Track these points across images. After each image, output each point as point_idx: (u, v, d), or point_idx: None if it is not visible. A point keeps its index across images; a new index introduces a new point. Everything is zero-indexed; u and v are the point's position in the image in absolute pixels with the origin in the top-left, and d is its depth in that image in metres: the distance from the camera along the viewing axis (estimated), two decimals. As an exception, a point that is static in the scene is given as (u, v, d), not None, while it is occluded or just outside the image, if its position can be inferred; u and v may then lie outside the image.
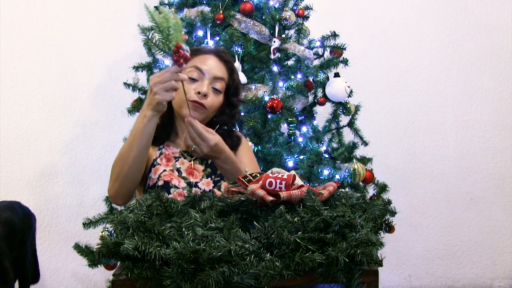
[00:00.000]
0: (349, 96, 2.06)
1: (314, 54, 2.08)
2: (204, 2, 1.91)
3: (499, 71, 2.74)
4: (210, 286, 0.75)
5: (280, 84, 1.85)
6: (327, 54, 2.12)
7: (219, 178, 1.34)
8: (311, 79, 2.02)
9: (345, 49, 2.08)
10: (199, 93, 1.30)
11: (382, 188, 2.02)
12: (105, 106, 2.52)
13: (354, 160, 1.93)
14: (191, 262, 0.77)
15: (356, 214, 0.88)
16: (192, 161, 1.36)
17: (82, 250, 1.98)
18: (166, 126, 1.38)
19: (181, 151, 1.38)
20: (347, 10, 2.67)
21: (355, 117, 2.12)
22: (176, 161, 1.35)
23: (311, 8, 2.04)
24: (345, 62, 2.08)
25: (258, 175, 1.00)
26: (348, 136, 2.14)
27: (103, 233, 1.87)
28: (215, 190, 1.31)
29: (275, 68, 1.87)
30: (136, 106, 2.05)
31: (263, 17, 1.89)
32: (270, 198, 0.89)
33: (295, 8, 1.97)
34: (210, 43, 1.83)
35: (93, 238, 2.29)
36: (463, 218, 2.70)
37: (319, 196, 0.92)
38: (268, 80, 1.84)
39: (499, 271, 2.70)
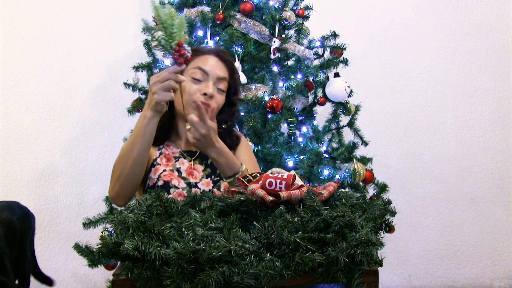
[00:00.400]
0: (349, 96, 2.06)
1: (314, 54, 2.08)
2: (204, 2, 1.91)
3: (499, 71, 2.74)
4: (210, 286, 0.75)
5: (280, 84, 1.85)
6: (327, 54, 2.12)
7: (218, 178, 1.34)
8: (311, 79, 2.02)
9: (345, 49, 2.08)
10: (205, 94, 1.30)
11: (382, 188, 2.02)
12: (105, 106, 2.52)
13: (354, 160, 1.93)
14: (191, 262, 0.77)
15: (356, 214, 0.88)
16: (192, 161, 1.36)
17: (82, 250, 1.98)
18: (166, 127, 1.38)
19: (181, 151, 1.38)
20: (347, 10, 2.67)
21: (355, 117, 2.12)
22: (176, 161, 1.35)
23: (311, 8, 2.04)
24: (345, 62, 2.08)
25: (258, 175, 1.00)
26: (348, 136, 2.14)
27: (103, 233, 1.87)
28: (215, 190, 1.31)
29: (275, 68, 1.87)
30: (136, 106, 2.05)
31: (263, 17, 1.89)
32: (270, 198, 0.89)
33: (295, 8, 1.97)
34: (210, 43, 1.83)
35: (93, 238, 2.29)
36: (463, 218, 2.70)
37: (319, 196, 0.92)
38: (268, 80, 1.84)
39: (499, 271, 2.70)
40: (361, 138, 2.11)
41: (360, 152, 2.07)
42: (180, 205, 0.95)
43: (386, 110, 2.70)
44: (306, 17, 2.02)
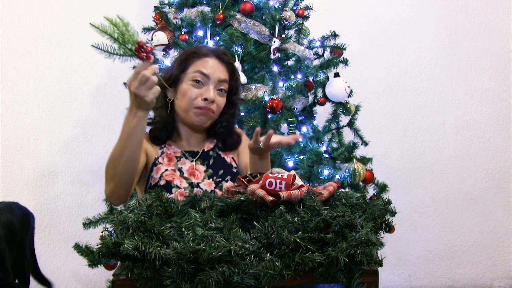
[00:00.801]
0: (349, 96, 2.06)
1: (314, 54, 2.08)
2: (204, 2, 1.91)
3: (499, 71, 2.74)
4: (210, 286, 0.75)
5: (280, 84, 1.85)
6: (327, 54, 2.12)
7: (220, 179, 1.35)
8: (311, 79, 2.02)
9: (345, 49, 2.07)
10: (205, 99, 1.30)
11: (382, 188, 2.02)
12: (105, 106, 2.51)
13: (354, 160, 1.93)
14: (191, 262, 0.77)
15: (356, 214, 0.88)
16: (193, 162, 1.36)
17: (82, 250, 1.98)
18: (167, 128, 1.38)
19: (183, 151, 1.38)
20: (347, 10, 2.67)
21: (355, 117, 2.12)
22: (178, 161, 1.35)
23: (311, 8, 2.04)
24: (345, 62, 2.07)
25: (258, 175, 1.01)
26: (348, 136, 2.14)
27: (103, 233, 1.87)
28: (217, 190, 1.31)
29: (275, 68, 1.87)
30: (136, 106, 2.04)
31: (263, 17, 1.89)
32: (270, 198, 0.89)
33: (295, 8, 1.97)
34: (210, 43, 1.83)
35: (93, 238, 2.29)
36: (463, 218, 2.70)
37: (319, 196, 0.92)
38: (268, 80, 1.84)
39: (499, 271, 2.70)
40: (361, 138, 2.11)
41: (360, 152, 2.07)
42: (180, 205, 0.95)
43: (386, 110, 2.69)
44: (306, 17, 2.01)
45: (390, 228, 0.97)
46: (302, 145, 1.89)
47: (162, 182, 1.28)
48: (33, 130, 2.46)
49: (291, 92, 1.84)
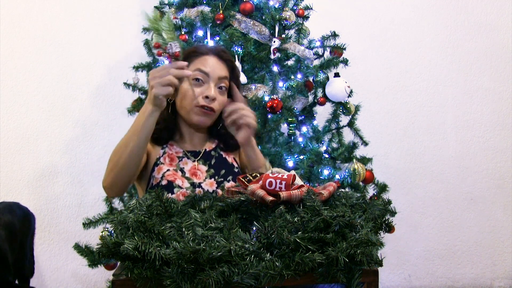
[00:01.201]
0: (349, 96, 2.06)
1: (314, 54, 2.08)
2: (204, 2, 1.91)
3: (499, 71, 2.74)
4: (210, 286, 0.75)
5: (280, 84, 1.85)
6: (327, 54, 2.12)
7: (222, 179, 1.35)
8: (311, 79, 2.02)
9: (345, 49, 2.07)
10: (206, 97, 1.30)
11: (382, 188, 2.02)
12: (105, 106, 2.52)
13: (354, 160, 1.92)
14: (191, 262, 0.77)
15: (356, 214, 0.88)
16: (195, 162, 1.36)
17: (82, 250, 1.98)
18: (169, 128, 1.38)
19: (185, 151, 1.38)
20: (347, 10, 2.67)
21: (355, 117, 2.12)
22: (179, 161, 1.35)
23: (311, 8, 2.04)
24: (345, 62, 2.07)
25: (258, 175, 1.00)
26: (348, 136, 2.14)
27: (103, 233, 1.87)
28: (219, 190, 1.31)
29: (275, 68, 1.87)
30: (136, 106, 2.05)
31: (263, 17, 1.89)
32: (270, 198, 0.89)
33: (295, 8, 1.97)
34: (210, 43, 1.83)
35: (93, 238, 2.29)
36: (463, 218, 2.70)
37: (319, 196, 0.92)
38: (268, 80, 1.84)
39: (499, 271, 2.70)
40: (361, 138, 2.11)
41: (360, 152, 2.07)
42: (180, 205, 0.95)
43: (386, 110, 2.69)
44: (306, 17, 2.01)
45: (390, 228, 0.97)
46: (302, 145, 1.89)
47: (164, 182, 1.28)
48: (33, 130, 2.46)
49: (291, 92, 1.84)
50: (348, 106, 2.06)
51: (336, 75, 2.04)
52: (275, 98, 1.76)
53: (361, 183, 1.96)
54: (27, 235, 1.76)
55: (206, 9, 1.86)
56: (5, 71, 2.45)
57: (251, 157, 1.33)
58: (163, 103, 1.16)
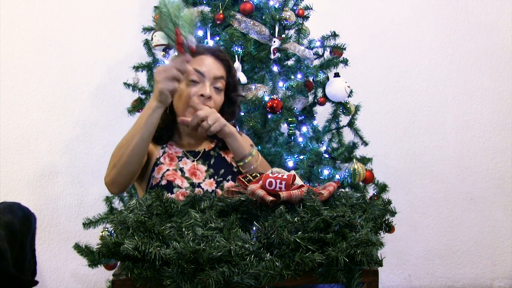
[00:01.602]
0: (349, 96, 2.06)
1: (314, 54, 2.07)
2: (204, 2, 1.91)
3: (499, 71, 2.74)
4: (210, 286, 0.75)
5: (280, 84, 1.85)
6: (327, 54, 2.12)
7: (221, 179, 1.35)
8: (311, 79, 2.02)
9: (345, 49, 2.07)
10: (202, 96, 1.30)
11: (382, 188, 2.01)
12: (105, 106, 2.51)
13: (354, 160, 1.92)
14: (191, 262, 0.77)
15: (356, 214, 0.88)
16: (195, 162, 1.36)
17: (82, 250, 1.98)
18: (169, 128, 1.38)
19: (184, 151, 1.38)
20: (347, 10, 2.67)
21: (355, 117, 2.12)
22: (179, 161, 1.35)
23: (311, 8, 2.04)
24: (345, 62, 2.07)
25: (258, 175, 1.01)
26: (348, 136, 2.14)
27: (103, 233, 1.87)
28: (218, 190, 1.31)
29: (275, 68, 1.87)
30: (136, 106, 2.05)
31: (263, 17, 1.89)
32: (270, 198, 0.89)
33: (295, 8, 1.97)
34: (210, 43, 1.83)
35: (93, 238, 2.29)
36: (463, 218, 2.70)
37: (319, 196, 0.92)
38: (268, 80, 1.84)
39: (499, 271, 2.70)
40: (361, 138, 2.11)
41: (360, 152, 2.07)
42: (180, 205, 0.95)
43: (386, 110, 2.69)
44: (306, 17, 2.01)
45: (390, 228, 0.97)
46: (302, 145, 1.89)
47: (164, 182, 1.28)
48: (33, 130, 2.46)
49: (291, 92, 1.84)
50: (348, 106, 2.06)
51: (336, 75, 2.04)
52: (275, 98, 1.76)
53: (361, 183, 1.96)
54: (27, 236, 1.76)
55: (206, 9, 1.86)
56: (5, 71, 2.45)
57: (233, 147, 1.31)
58: (168, 99, 1.17)
